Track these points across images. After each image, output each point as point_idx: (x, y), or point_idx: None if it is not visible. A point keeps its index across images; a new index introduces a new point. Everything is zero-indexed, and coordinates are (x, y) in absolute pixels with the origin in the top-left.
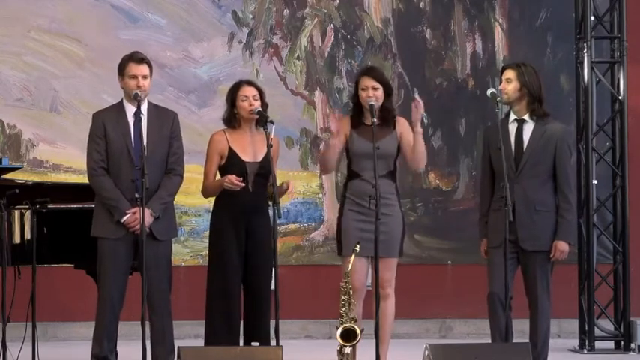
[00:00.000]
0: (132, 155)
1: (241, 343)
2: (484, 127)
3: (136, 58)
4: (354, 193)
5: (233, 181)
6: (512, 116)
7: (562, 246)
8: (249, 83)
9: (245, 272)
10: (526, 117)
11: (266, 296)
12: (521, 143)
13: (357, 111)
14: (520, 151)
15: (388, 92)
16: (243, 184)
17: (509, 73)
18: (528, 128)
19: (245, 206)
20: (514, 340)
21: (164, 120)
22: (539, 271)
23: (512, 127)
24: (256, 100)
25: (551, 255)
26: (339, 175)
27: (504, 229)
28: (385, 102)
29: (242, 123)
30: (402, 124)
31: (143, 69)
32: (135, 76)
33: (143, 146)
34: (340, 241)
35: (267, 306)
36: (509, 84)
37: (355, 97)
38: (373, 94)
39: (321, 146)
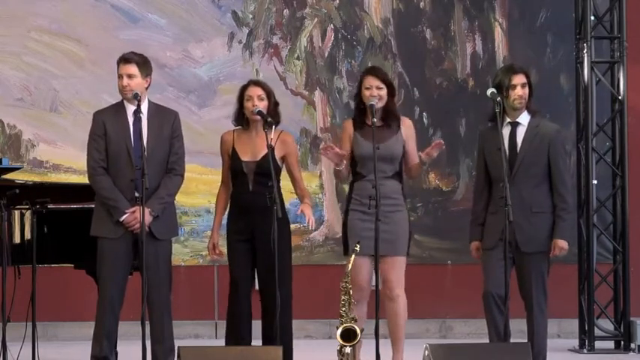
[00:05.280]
0: (131, 155)
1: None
2: (480, 130)
3: (123, 57)
4: (359, 193)
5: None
6: (507, 119)
7: (562, 244)
8: (256, 83)
9: (258, 273)
10: (520, 119)
11: (272, 296)
12: (515, 145)
13: (359, 112)
14: (514, 154)
15: (392, 93)
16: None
17: (524, 78)
18: (521, 130)
19: (247, 206)
20: (514, 340)
21: (165, 119)
22: (535, 271)
23: (506, 130)
24: (262, 100)
25: (551, 253)
26: None
27: (502, 230)
28: (389, 103)
29: (250, 122)
30: (407, 126)
31: (128, 68)
32: (120, 76)
33: (143, 146)
34: (346, 242)
35: (276, 306)
36: (525, 88)
37: (358, 97)
38: (377, 93)
39: (321, 146)
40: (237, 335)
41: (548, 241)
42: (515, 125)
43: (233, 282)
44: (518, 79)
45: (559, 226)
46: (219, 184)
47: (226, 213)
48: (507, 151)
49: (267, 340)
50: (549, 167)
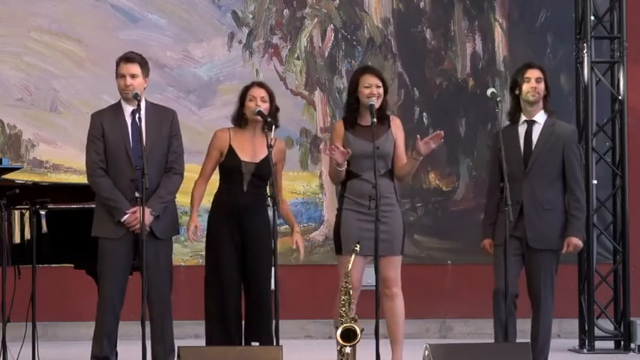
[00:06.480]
0: (130, 155)
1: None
2: (494, 132)
3: (125, 57)
4: (354, 192)
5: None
6: (523, 117)
7: (575, 241)
8: (260, 85)
9: (244, 273)
10: (536, 117)
11: (265, 296)
12: (530, 143)
13: (351, 110)
14: (529, 151)
15: (386, 92)
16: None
17: (539, 73)
18: (537, 129)
19: (239, 206)
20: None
21: (163, 119)
22: (545, 269)
23: (522, 129)
24: (264, 102)
25: (564, 250)
26: None
27: (510, 227)
28: (382, 102)
29: (248, 123)
30: (396, 124)
31: (130, 68)
32: (123, 75)
33: (143, 146)
34: (339, 240)
35: (267, 306)
36: (541, 84)
37: (352, 96)
38: (377, 91)
39: (322, 146)
40: (229, 335)
41: (559, 240)
42: (531, 123)
43: (220, 281)
44: (533, 73)
45: (573, 224)
46: (197, 177)
47: (209, 210)
48: (522, 149)
49: (248, 340)
50: (563, 166)
